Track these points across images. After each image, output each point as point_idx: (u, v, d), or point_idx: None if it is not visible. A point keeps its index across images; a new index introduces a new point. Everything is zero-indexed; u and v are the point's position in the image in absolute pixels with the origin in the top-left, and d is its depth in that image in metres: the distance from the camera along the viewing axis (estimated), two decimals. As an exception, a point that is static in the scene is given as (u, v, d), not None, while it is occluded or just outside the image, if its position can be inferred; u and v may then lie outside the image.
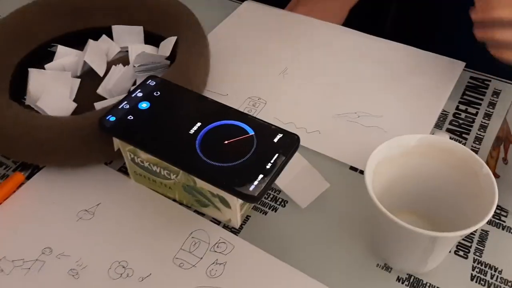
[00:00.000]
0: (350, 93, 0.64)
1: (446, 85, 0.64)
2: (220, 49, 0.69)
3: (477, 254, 0.48)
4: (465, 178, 0.44)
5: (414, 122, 0.60)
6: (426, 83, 0.65)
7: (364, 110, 0.62)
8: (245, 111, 0.60)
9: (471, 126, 0.60)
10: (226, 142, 0.46)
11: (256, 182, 0.42)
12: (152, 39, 0.66)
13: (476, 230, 0.49)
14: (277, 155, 0.44)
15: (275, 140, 0.46)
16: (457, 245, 0.48)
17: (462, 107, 0.62)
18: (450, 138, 0.58)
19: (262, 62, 0.69)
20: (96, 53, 0.64)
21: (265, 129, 0.47)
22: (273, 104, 0.63)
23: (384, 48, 0.70)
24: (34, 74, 0.60)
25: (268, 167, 0.44)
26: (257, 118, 0.48)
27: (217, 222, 0.50)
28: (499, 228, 0.50)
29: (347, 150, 0.57)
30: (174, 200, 0.52)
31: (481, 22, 0.55)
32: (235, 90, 0.64)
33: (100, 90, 0.61)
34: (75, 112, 0.59)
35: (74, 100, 0.60)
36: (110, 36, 0.67)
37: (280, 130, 0.47)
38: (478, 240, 0.49)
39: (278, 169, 0.44)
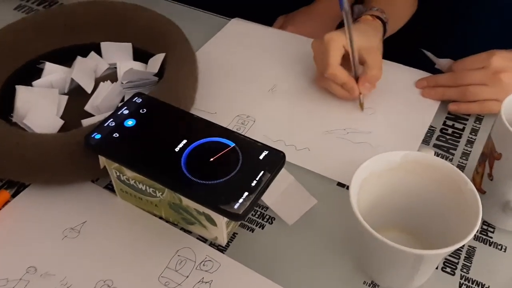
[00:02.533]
0: (339, 109, 0.64)
1: (433, 100, 0.65)
2: (208, 66, 0.69)
3: (464, 270, 0.48)
4: (450, 194, 0.44)
5: (402, 138, 0.60)
6: (414, 99, 0.65)
7: (352, 126, 0.62)
8: (234, 129, 0.60)
9: (458, 142, 0.60)
10: (211, 159, 0.46)
11: (241, 200, 0.42)
12: (140, 55, 0.67)
13: (463, 246, 0.49)
14: (262, 172, 0.44)
15: (261, 157, 0.46)
16: (444, 262, 0.48)
17: (449, 122, 0.63)
18: (438, 153, 0.59)
19: (250, 80, 0.69)
20: (84, 70, 0.64)
21: (250, 146, 0.47)
22: (262, 122, 0.63)
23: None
24: (21, 91, 0.60)
25: (253, 184, 0.43)
26: (242, 135, 0.48)
27: (203, 240, 0.50)
28: (486, 244, 0.50)
29: (336, 167, 0.57)
30: (161, 218, 0.52)
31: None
32: (223, 108, 0.64)
33: (88, 107, 0.61)
34: (62, 129, 0.59)
35: (62, 117, 0.60)
36: (99, 52, 0.67)
37: (266, 147, 0.47)
38: (465, 257, 0.49)
39: (263, 186, 0.44)
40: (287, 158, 0.47)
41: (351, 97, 0.62)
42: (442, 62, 0.67)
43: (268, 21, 0.79)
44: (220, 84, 0.68)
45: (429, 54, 0.69)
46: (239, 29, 0.78)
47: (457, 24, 0.78)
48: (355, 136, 0.61)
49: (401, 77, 0.68)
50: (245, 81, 0.69)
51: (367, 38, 0.62)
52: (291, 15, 0.86)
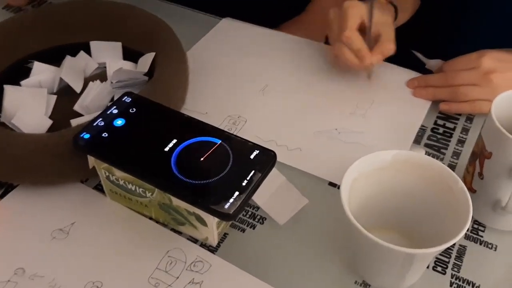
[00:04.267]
0: (330, 109, 0.64)
1: (424, 100, 0.65)
2: (199, 66, 0.69)
3: (455, 269, 0.48)
4: (440, 193, 0.44)
5: (394, 137, 0.60)
6: (405, 98, 0.65)
7: (344, 126, 0.62)
8: (226, 130, 0.60)
9: (449, 141, 0.60)
10: (201, 159, 0.45)
11: (231, 200, 0.42)
12: (130, 55, 0.66)
13: (454, 245, 0.49)
14: (253, 172, 0.44)
15: (252, 156, 0.46)
16: (435, 261, 0.48)
17: (441, 122, 0.63)
18: (429, 153, 0.59)
19: (241, 80, 0.68)
20: (73, 69, 0.63)
21: (241, 146, 0.47)
22: (253, 122, 0.62)
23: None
24: (9, 91, 0.60)
25: (244, 184, 0.43)
26: (233, 135, 0.48)
27: (194, 240, 0.50)
28: (476, 243, 0.50)
29: (328, 166, 0.57)
30: (151, 218, 0.51)
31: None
32: (214, 108, 0.64)
33: (77, 107, 0.60)
34: (51, 129, 0.58)
35: (50, 117, 0.59)
36: (88, 52, 0.66)
37: (257, 147, 0.46)
38: (456, 256, 0.49)
39: (254, 186, 0.43)
40: (279, 158, 0.46)
41: (361, 65, 0.63)
42: (432, 63, 0.68)
43: (259, 21, 0.78)
44: (211, 84, 0.67)
45: (418, 54, 0.69)
46: (230, 28, 0.77)
47: (456, 24, 0.78)
48: (347, 136, 0.60)
49: (393, 77, 0.68)
50: (236, 81, 0.68)
51: (382, 15, 0.63)
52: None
